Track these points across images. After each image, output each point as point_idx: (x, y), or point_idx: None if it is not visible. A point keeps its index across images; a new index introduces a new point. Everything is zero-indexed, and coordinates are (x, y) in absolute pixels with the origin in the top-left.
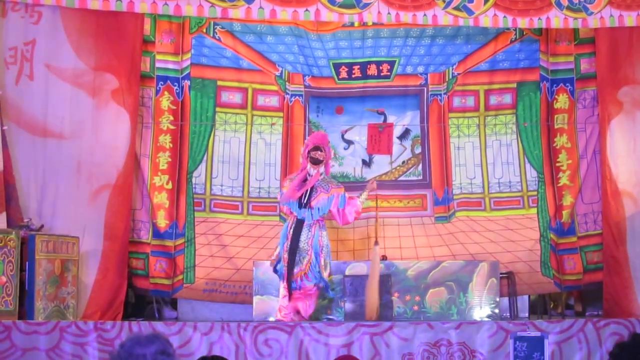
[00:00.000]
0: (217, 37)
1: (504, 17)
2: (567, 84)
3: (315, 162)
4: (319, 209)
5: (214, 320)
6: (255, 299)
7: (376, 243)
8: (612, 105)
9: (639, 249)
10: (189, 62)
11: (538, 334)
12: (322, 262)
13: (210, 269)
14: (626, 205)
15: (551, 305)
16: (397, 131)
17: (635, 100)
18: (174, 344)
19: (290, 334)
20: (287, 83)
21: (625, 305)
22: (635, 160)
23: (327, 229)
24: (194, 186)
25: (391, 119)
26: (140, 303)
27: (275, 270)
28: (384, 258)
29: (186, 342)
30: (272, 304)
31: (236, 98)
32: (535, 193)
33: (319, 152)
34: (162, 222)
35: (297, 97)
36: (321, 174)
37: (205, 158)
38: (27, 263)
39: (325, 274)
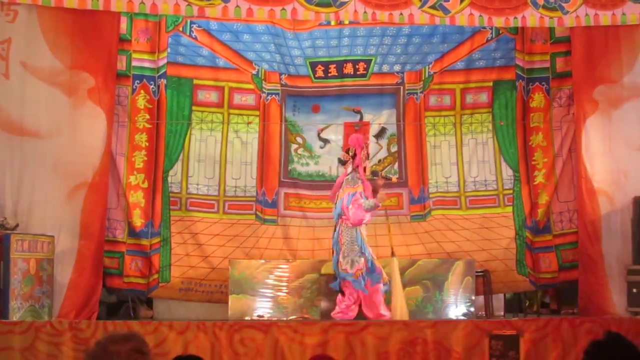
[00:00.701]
0: (193, 36)
1: (480, 16)
2: (543, 83)
3: (341, 162)
4: (336, 207)
5: (189, 319)
6: (231, 298)
7: (392, 254)
8: (588, 104)
9: (614, 247)
10: (165, 61)
11: (513, 332)
12: (340, 259)
13: (186, 267)
14: (601, 204)
15: (527, 304)
16: (374, 130)
17: (611, 99)
18: (150, 343)
19: (265, 333)
20: (263, 82)
21: (601, 303)
22: (610, 159)
23: (305, 227)
24: (170, 185)
25: (367, 117)
26: (116, 302)
27: None
28: None
29: (162, 341)
30: (248, 302)
31: (212, 97)
32: (510, 191)
33: (344, 154)
34: (138, 221)
35: (273, 95)
36: (349, 174)
37: (181, 157)
38: (1, 262)
39: (346, 269)
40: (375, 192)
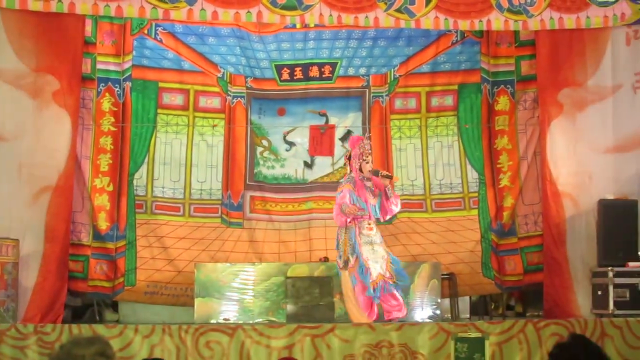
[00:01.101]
0: (158, 39)
1: (445, 19)
2: (508, 86)
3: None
4: None
5: (155, 322)
6: (197, 301)
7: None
8: (552, 107)
9: (578, 250)
10: (130, 64)
11: (479, 334)
12: (337, 258)
13: (152, 271)
14: (566, 207)
15: (492, 306)
16: (339, 133)
17: (575, 101)
18: (115, 346)
19: (231, 336)
20: (229, 84)
21: (565, 305)
22: (575, 162)
23: (271, 230)
24: (135, 188)
25: (333, 120)
26: (81, 306)
27: None
28: (325, 259)
29: (127, 344)
30: (214, 305)
31: (178, 99)
32: (476, 194)
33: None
34: (103, 224)
35: (239, 98)
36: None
37: (146, 160)
38: None
39: (342, 267)
40: (381, 190)
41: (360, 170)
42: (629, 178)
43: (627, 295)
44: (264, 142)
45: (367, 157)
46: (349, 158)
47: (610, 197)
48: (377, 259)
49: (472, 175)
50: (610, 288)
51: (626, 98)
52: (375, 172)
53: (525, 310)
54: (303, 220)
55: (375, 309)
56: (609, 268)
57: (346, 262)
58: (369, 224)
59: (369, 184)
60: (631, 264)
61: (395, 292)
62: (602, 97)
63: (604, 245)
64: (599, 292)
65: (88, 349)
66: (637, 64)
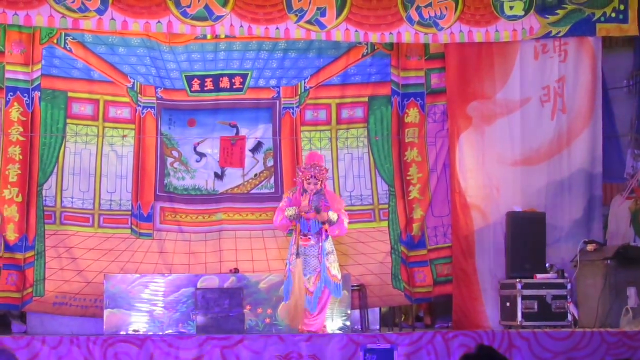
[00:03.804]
0: (68, 48)
1: (356, 31)
2: (418, 99)
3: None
4: None
5: (63, 334)
6: (106, 312)
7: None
8: (462, 120)
9: (487, 262)
10: (39, 73)
11: (388, 346)
12: None
13: (61, 282)
14: (475, 219)
15: (402, 318)
16: (250, 144)
17: (484, 115)
18: (22, 358)
19: (140, 348)
20: (139, 95)
21: (474, 317)
22: (483, 175)
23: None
24: (44, 199)
25: (244, 132)
26: None
27: None
28: (235, 271)
29: (34, 356)
30: (124, 317)
31: (87, 110)
32: (386, 206)
33: None
34: (12, 236)
35: (149, 109)
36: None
37: (55, 170)
38: None
39: None
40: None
41: (303, 185)
42: (536, 191)
43: (535, 307)
44: (175, 153)
45: (309, 179)
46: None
47: (519, 209)
48: (304, 272)
49: (383, 187)
50: (519, 300)
51: (534, 111)
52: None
53: (434, 322)
54: (213, 231)
55: None
56: (517, 280)
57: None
58: (305, 235)
59: (315, 197)
60: (539, 276)
61: (309, 308)
62: (511, 110)
63: (513, 257)
64: (508, 304)
65: None
66: (545, 77)
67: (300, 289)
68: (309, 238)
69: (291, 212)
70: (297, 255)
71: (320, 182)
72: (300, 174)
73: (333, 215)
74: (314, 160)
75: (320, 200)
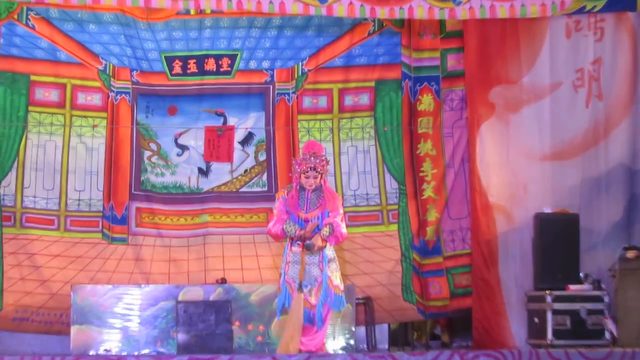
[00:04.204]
0: (30, 25)
1: (361, 5)
2: (432, 83)
3: None
4: None
5: (24, 353)
6: (74, 328)
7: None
8: (483, 107)
9: (512, 270)
10: None
11: None
12: None
13: (21, 294)
14: (498, 221)
15: (414, 336)
16: (239, 135)
17: (508, 101)
18: None
19: None
20: (111, 79)
21: (497, 334)
22: (508, 170)
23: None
24: (2, 198)
25: (232, 121)
26: None
27: None
28: (222, 281)
29: None
30: (93, 334)
31: (52, 95)
32: (395, 207)
33: None
34: None
35: (123, 95)
36: None
37: (15, 165)
38: None
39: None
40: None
41: (300, 180)
42: (569, 189)
43: (568, 322)
44: (152, 146)
45: (307, 171)
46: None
47: (548, 210)
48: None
49: (392, 185)
50: (549, 315)
51: (566, 98)
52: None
53: (452, 339)
54: (197, 235)
55: None
56: (547, 292)
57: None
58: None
59: (312, 195)
60: (572, 287)
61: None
62: (539, 96)
63: (541, 265)
64: (536, 320)
65: None
66: (578, 59)
67: (299, 302)
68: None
69: (291, 230)
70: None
71: (320, 176)
72: (297, 166)
73: (325, 231)
74: (313, 149)
75: (318, 202)
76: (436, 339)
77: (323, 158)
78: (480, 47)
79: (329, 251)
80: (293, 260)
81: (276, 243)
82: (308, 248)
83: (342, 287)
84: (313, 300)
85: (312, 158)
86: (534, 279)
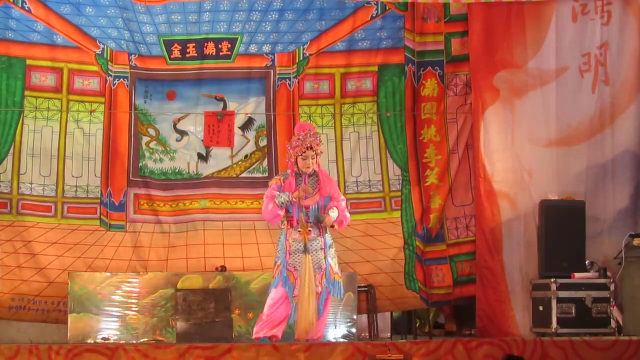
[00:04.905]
0: (26, 8)
1: None
2: (436, 68)
3: None
4: None
5: (21, 342)
6: (71, 317)
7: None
8: (487, 93)
9: (516, 258)
10: None
11: (400, 356)
12: None
13: (18, 281)
14: (502, 209)
15: (417, 324)
16: (239, 120)
17: (514, 86)
18: None
19: (111, 358)
20: (109, 63)
21: (501, 322)
22: (512, 156)
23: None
24: None
25: (232, 106)
26: None
27: None
28: (222, 269)
29: None
30: (91, 323)
31: (49, 80)
32: (398, 194)
33: None
34: None
35: (121, 79)
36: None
37: (11, 150)
38: None
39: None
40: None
41: (297, 164)
42: (574, 176)
43: (573, 311)
44: (151, 131)
45: (304, 152)
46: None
47: (554, 197)
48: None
49: (394, 171)
50: (553, 303)
51: (572, 83)
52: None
53: (458, 329)
54: (197, 221)
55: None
56: (552, 280)
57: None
58: (303, 229)
59: (309, 180)
60: (577, 275)
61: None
62: (545, 81)
63: (546, 253)
64: (540, 308)
65: None
66: (585, 43)
67: (311, 291)
68: (310, 231)
69: (283, 197)
70: (305, 250)
71: (317, 156)
72: (293, 149)
73: (334, 213)
74: (307, 128)
75: (316, 187)
76: (440, 327)
77: (318, 136)
78: (485, 31)
79: (329, 236)
80: (295, 250)
81: (277, 229)
82: (319, 220)
83: (340, 273)
84: (318, 287)
85: (308, 137)
86: (538, 266)
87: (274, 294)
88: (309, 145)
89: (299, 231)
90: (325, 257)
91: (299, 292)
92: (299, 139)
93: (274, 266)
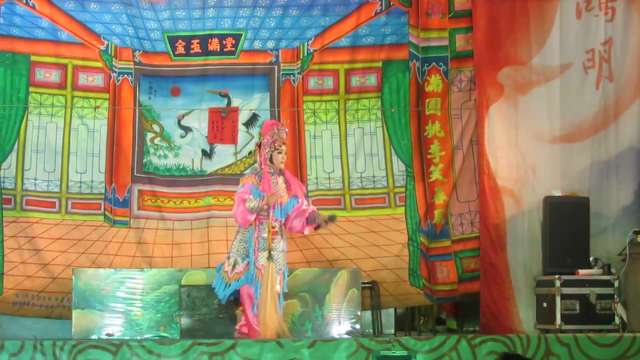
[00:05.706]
0: (30, 4)
1: None
2: (440, 64)
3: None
4: None
5: (25, 338)
6: (75, 313)
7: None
8: (491, 89)
9: (521, 254)
10: None
11: (404, 353)
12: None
13: (22, 277)
14: (506, 205)
15: (421, 321)
16: (243, 117)
17: (518, 83)
18: None
19: (115, 354)
20: (113, 59)
21: (505, 319)
22: (516, 153)
23: (162, 230)
24: (2, 180)
25: (236, 102)
26: None
27: None
28: None
29: None
30: (94, 318)
31: (53, 76)
32: (403, 190)
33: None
34: None
35: (125, 75)
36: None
37: (16, 147)
38: None
39: (227, 271)
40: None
41: (271, 161)
42: (579, 172)
43: (577, 307)
44: (155, 127)
45: (280, 146)
46: (260, 146)
47: (558, 193)
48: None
49: (399, 167)
50: (557, 299)
51: (576, 79)
52: (332, 218)
53: (461, 325)
54: (200, 218)
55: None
56: (556, 276)
57: (233, 267)
58: (273, 227)
59: (279, 179)
60: (581, 271)
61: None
62: (549, 77)
63: (550, 249)
64: (544, 304)
65: None
66: (589, 39)
67: (273, 296)
68: (276, 230)
69: (254, 203)
70: (269, 257)
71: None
72: (267, 147)
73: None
74: (277, 123)
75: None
76: (442, 324)
77: (286, 129)
78: (489, 27)
79: (285, 240)
80: (262, 247)
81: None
82: (333, 220)
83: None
84: (278, 288)
85: (282, 131)
86: (542, 263)
87: (252, 292)
88: (284, 139)
89: (273, 229)
90: (284, 261)
91: (260, 297)
92: (274, 133)
93: (227, 260)
